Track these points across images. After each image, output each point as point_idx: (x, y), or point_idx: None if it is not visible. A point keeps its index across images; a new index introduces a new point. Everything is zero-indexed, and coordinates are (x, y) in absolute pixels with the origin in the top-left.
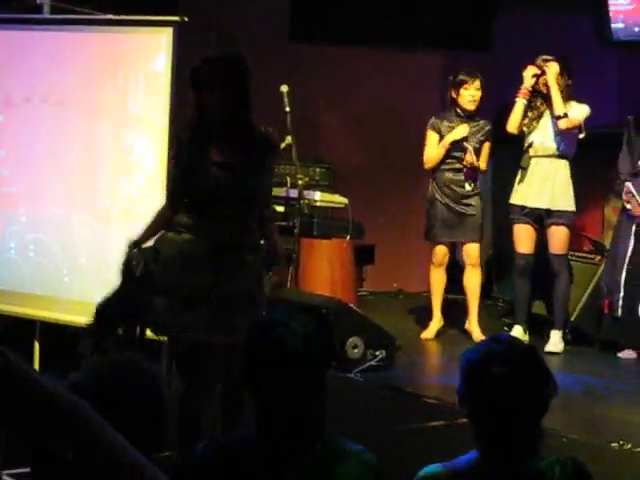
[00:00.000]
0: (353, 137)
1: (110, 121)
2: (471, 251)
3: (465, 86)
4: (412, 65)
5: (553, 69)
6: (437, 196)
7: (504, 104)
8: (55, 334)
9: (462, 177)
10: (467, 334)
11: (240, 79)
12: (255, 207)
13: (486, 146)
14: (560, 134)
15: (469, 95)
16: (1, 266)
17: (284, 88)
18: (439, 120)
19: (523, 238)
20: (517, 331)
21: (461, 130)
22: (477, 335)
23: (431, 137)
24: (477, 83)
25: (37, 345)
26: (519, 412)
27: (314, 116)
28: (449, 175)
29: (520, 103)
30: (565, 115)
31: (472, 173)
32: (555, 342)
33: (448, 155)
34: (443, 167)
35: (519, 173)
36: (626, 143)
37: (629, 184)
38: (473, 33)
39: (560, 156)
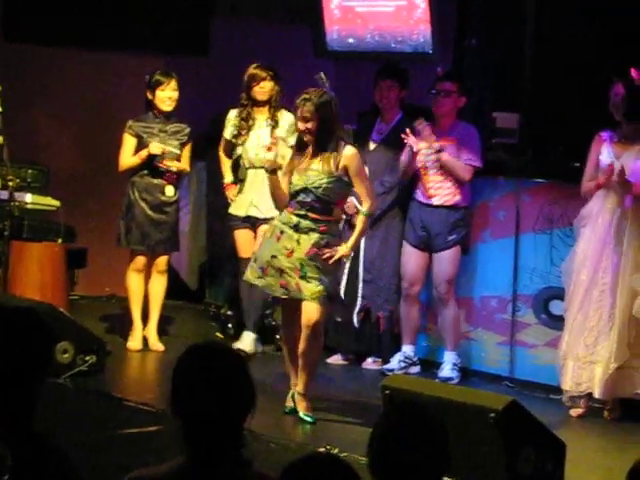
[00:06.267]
0: (67, 139)
1: None
2: (161, 260)
3: (161, 87)
4: (128, 68)
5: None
6: (135, 201)
7: (220, 111)
8: None
9: (163, 182)
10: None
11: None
12: None
13: (187, 148)
14: None
15: (165, 96)
16: None
17: None
18: (135, 122)
19: (244, 243)
20: (248, 337)
21: (154, 148)
22: (154, 342)
23: (127, 141)
24: (173, 84)
25: None
26: (226, 412)
27: (29, 117)
28: (149, 179)
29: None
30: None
31: (174, 177)
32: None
33: (149, 161)
34: (143, 172)
35: (238, 184)
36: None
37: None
38: (190, 38)
39: None
